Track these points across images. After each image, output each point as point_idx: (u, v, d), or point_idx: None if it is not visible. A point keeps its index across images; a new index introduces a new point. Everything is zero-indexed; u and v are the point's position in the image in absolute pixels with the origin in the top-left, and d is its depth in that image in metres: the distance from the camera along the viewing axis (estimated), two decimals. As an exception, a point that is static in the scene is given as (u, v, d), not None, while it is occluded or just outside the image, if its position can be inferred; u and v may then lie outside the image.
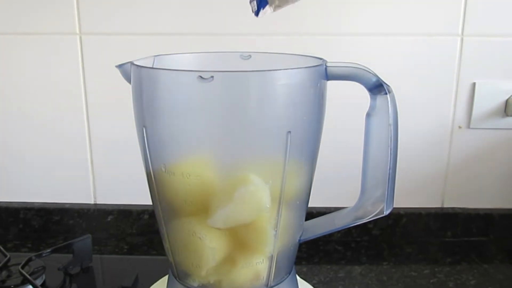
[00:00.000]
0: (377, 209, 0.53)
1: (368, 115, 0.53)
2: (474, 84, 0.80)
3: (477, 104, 0.81)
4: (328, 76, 0.51)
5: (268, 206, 0.51)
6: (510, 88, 0.80)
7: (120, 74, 0.58)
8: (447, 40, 0.79)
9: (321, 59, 0.53)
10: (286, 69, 0.48)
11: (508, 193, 0.85)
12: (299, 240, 0.57)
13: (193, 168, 0.50)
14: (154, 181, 0.53)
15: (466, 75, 0.80)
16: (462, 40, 0.79)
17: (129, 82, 0.55)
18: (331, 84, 0.52)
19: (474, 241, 0.84)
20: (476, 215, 0.84)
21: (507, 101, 0.80)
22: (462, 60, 0.80)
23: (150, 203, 0.82)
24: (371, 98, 0.52)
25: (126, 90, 0.62)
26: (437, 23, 0.78)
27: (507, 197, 0.85)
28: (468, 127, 0.82)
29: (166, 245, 0.57)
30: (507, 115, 0.81)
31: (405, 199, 0.84)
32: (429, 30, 0.78)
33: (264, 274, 0.54)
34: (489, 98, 0.81)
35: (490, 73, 0.80)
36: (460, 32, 0.78)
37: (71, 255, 0.74)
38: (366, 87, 0.51)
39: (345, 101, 0.72)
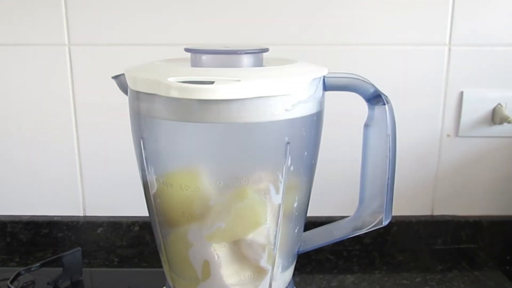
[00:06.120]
0: (376, 220, 0.54)
1: (366, 125, 0.53)
2: (461, 93, 0.81)
3: (465, 113, 0.82)
4: (326, 86, 0.51)
5: (266, 221, 0.51)
6: (497, 97, 0.81)
7: (109, 86, 0.58)
8: (435, 49, 0.80)
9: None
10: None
11: (496, 200, 0.86)
12: (298, 252, 0.57)
13: (191, 181, 0.50)
14: (151, 193, 0.53)
15: (454, 84, 0.81)
16: (449, 49, 0.80)
17: (125, 93, 0.54)
18: (328, 94, 0.53)
19: (464, 248, 0.85)
20: (465, 222, 0.85)
21: (494, 109, 0.81)
22: (450, 69, 0.80)
23: (140, 214, 0.83)
24: (369, 108, 0.52)
25: (116, 101, 0.62)
26: (424, 33, 0.79)
27: (496, 204, 0.86)
28: (457, 135, 0.83)
29: (163, 257, 0.56)
30: (494, 123, 0.82)
31: (395, 207, 0.82)
32: (417, 40, 0.79)
33: (263, 287, 0.54)
34: (476, 107, 0.82)
35: (477, 82, 0.81)
36: (447, 41, 0.79)
37: (60, 269, 0.72)
38: (364, 97, 0.52)
39: (343, 111, 0.72)
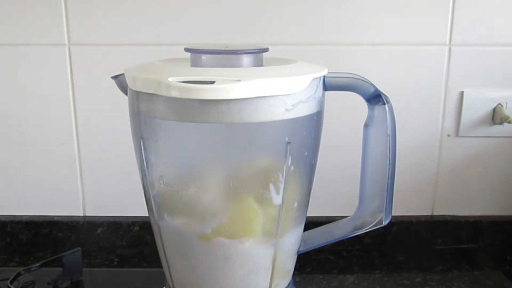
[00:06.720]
0: (375, 219, 0.54)
1: (366, 125, 0.53)
2: (462, 92, 0.81)
3: (465, 113, 0.82)
4: (327, 86, 0.51)
5: (259, 231, 0.51)
6: (497, 97, 0.81)
7: (109, 86, 0.58)
8: (435, 49, 0.80)
9: (317, 70, 0.53)
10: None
11: (496, 200, 0.86)
12: (298, 252, 0.57)
13: (192, 181, 0.50)
14: (151, 193, 0.53)
15: (454, 84, 0.81)
16: (449, 49, 0.80)
17: (125, 93, 0.54)
18: (328, 94, 0.52)
19: (464, 248, 0.85)
20: (465, 222, 0.85)
21: (494, 109, 0.81)
22: (450, 69, 0.80)
23: (140, 214, 0.83)
24: (369, 108, 0.52)
25: (115, 102, 0.62)
26: (425, 33, 0.79)
27: (496, 204, 0.86)
28: (457, 135, 0.83)
29: (162, 256, 0.56)
30: (495, 123, 0.82)
31: (395, 207, 0.82)
32: (417, 39, 0.79)
33: (263, 287, 0.54)
34: (477, 107, 0.82)
35: (477, 82, 0.81)
36: (447, 41, 0.79)
37: (60, 269, 0.72)
38: (364, 97, 0.52)
39: (343, 111, 0.72)
